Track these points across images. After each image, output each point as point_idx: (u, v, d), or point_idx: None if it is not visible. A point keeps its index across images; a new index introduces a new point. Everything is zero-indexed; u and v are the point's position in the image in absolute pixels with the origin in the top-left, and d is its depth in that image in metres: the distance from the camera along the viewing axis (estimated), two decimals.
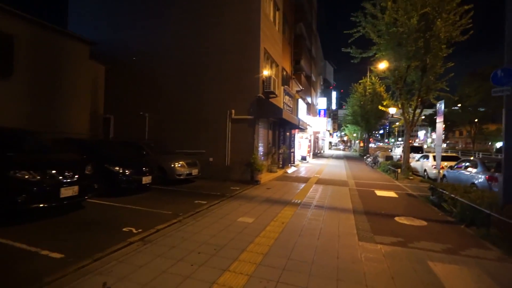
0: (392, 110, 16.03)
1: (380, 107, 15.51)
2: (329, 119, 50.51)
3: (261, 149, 12.31)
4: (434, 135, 70.58)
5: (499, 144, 18.93)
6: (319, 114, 33.29)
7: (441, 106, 8.23)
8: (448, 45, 12.23)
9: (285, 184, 10.50)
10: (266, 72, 11.14)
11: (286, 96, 14.86)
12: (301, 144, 22.60)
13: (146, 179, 7.68)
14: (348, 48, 13.83)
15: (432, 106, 14.81)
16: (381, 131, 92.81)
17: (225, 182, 10.14)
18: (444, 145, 53.85)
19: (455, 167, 10.69)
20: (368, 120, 33.38)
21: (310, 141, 27.65)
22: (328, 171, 15.80)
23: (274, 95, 11.44)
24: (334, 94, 57.64)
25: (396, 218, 6.06)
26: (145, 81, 12.30)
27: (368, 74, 34.48)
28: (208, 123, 11.10)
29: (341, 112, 58.78)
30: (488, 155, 21.56)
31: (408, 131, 13.98)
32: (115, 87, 12.98)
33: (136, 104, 12.39)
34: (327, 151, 51.10)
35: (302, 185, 10.27)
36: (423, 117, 14.55)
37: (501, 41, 5.23)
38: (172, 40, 11.85)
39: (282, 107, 14.24)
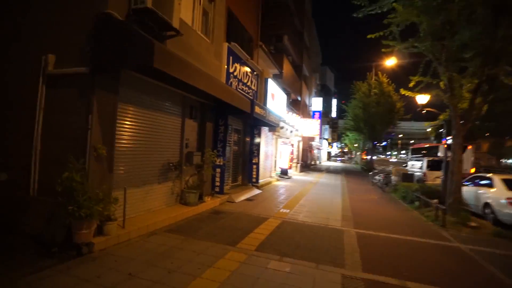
0: (423, 99, 9.51)
1: (402, 92, 9.03)
2: (327, 126, 44.13)
3: (163, 154, 5.75)
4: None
5: None
6: (313, 116, 26.88)
7: None
8: None
9: (168, 254, 3.88)
10: None
11: (236, 64, 8.35)
12: (281, 152, 16.05)
13: None
14: None
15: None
16: (384, 143, 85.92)
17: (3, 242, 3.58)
18: None
19: None
20: (373, 126, 26.83)
21: (297, 148, 21.13)
22: (311, 200, 9.15)
23: (174, 32, 4.88)
24: (334, 101, 50.94)
25: None
26: None
27: (373, 71, 28.32)
28: (3, 89, 4.59)
29: (341, 122, 51.88)
30: None
31: (460, 130, 7.42)
32: None
33: None
34: (324, 163, 44.37)
35: (211, 264, 3.67)
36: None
37: None
38: None
39: (226, 81, 7.73)
